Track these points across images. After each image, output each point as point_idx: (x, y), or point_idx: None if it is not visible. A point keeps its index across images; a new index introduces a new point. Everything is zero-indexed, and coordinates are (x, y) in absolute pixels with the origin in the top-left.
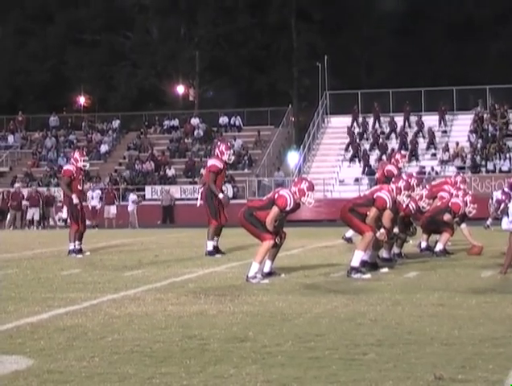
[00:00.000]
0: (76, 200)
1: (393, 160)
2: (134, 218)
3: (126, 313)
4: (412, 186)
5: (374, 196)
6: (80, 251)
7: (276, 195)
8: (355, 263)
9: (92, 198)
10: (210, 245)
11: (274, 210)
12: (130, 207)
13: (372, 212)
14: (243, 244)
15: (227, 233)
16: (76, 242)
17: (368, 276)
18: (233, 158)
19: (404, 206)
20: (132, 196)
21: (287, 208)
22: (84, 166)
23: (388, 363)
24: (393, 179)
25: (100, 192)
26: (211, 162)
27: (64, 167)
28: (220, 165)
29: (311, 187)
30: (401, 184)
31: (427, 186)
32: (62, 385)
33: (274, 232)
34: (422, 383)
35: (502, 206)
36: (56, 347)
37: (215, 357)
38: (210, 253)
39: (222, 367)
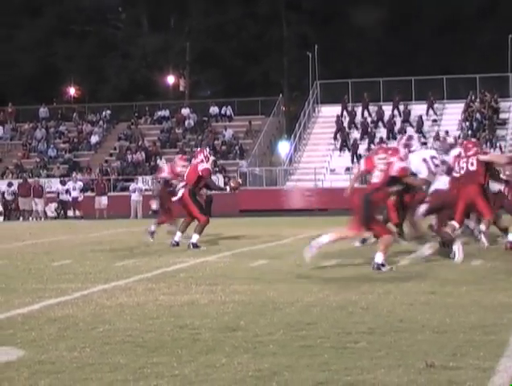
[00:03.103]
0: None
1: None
2: (139, 208)
3: (117, 303)
4: None
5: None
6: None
7: None
8: (378, 260)
9: (74, 189)
10: (195, 238)
11: None
12: (136, 197)
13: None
14: (234, 234)
15: (219, 223)
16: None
17: (388, 267)
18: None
19: None
20: (137, 185)
21: None
22: None
23: (380, 351)
24: None
25: (82, 184)
26: (203, 165)
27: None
28: (211, 168)
29: None
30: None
31: None
32: (53, 376)
33: None
34: (413, 370)
35: None
36: (47, 338)
37: (206, 346)
38: (194, 245)
39: (214, 356)
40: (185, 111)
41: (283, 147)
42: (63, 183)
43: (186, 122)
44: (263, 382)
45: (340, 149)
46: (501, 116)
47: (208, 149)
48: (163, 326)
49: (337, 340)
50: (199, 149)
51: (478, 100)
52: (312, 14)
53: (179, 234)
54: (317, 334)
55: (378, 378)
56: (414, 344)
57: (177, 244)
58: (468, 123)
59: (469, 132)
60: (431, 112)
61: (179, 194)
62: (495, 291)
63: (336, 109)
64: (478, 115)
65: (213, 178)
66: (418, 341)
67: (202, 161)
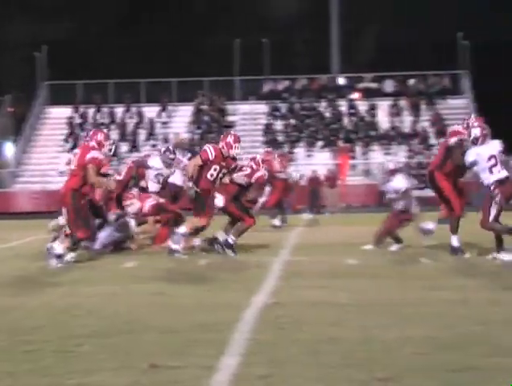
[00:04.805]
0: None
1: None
2: None
3: None
4: None
5: None
6: None
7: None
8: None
9: None
10: None
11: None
12: None
13: None
14: None
15: None
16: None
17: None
18: None
19: None
20: None
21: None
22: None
23: (103, 353)
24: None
25: None
26: None
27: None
28: None
29: (237, 140)
30: None
31: None
32: None
33: None
34: (136, 371)
35: None
36: None
37: None
38: None
39: None
40: None
41: (9, 149)
42: None
43: None
44: None
45: (70, 151)
46: (229, 118)
47: None
48: None
49: (61, 344)
50: None
51: (207, 102)
52: (41, 12)
53: None
54: (41, 338)
55: (102, 380)
56: (139, 345)
57: None
58: (195, 125)
59: (197, 134)
60: (162, 114)
61: None
62: (222, 291)
63: (65, 111)
64: (207, 117)
65: None
66: (142, 342)
67: None
